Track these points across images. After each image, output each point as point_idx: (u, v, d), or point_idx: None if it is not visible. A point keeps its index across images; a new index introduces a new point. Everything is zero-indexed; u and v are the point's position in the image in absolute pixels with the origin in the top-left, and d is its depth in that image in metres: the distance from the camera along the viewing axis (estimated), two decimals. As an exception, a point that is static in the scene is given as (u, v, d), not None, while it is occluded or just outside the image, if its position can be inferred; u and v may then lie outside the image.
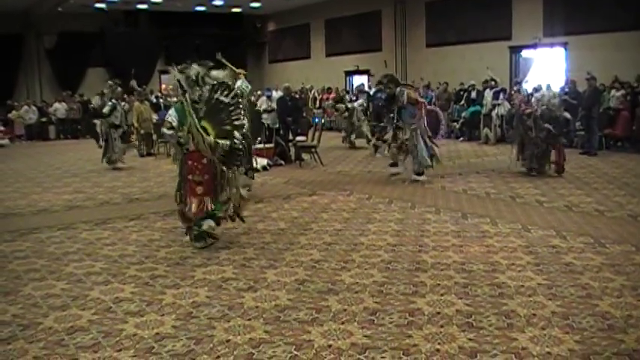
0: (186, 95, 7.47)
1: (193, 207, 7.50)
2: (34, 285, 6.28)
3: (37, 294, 5.99)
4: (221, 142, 7.36)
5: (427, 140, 12.19)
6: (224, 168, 7.55)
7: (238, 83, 8.85)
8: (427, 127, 12.36)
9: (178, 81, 7.58)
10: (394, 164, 12.85)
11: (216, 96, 7.51)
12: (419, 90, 18.10)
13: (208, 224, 7.58)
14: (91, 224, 9.10)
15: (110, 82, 16.36)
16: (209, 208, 7.53)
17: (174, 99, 15.02)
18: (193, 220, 7.58)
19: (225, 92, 7.54)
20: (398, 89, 12.26)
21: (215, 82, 7.53)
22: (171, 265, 6.91)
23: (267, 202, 10.51)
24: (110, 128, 15.24)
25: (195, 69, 7.55)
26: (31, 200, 11.36)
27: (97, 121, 15.76)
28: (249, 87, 9.58)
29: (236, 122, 7.53)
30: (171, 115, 7.59)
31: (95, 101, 16.39)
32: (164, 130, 7.72)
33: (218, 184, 7.62)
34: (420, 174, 12.20)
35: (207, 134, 7.37)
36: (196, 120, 7.28)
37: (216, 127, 7.48)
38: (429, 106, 13.55)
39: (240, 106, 7.70)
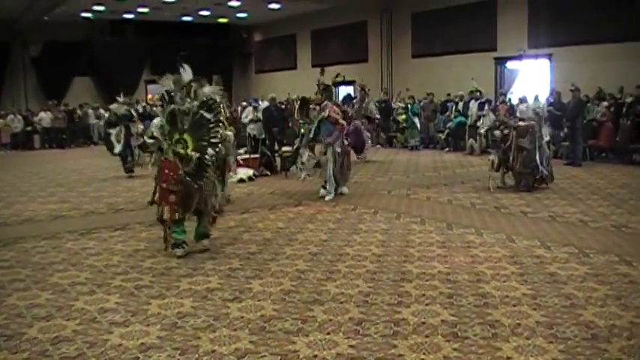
0: (166, 108, 7.72)
1: (165, 213, 7.60)
2: (18, 295, 6.25)
3: (22, 304, 5.96)
4: (191, 153, 7.54)
5: (341, 165, 11.75)
6: (196, 182, 7.62)
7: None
8: (351, 144, 12.01)
9: (167, 92, 7.75)
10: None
11: (201, 112, 7.64)
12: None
13: (178, 237, 7.73)
14: (76, 234, 9.06)
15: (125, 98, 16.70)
16: (177, 217, 7.61)
17: (160, 109, 15.00)
18: (168, 223, 7.69)
19: (211, 108, 7.67)
20: (325, 102, 11.75)
21: (205, 99, 7.67)
22: (157, 275, 6.89)
23: (252, 212, 10.50)
24: (131, 136, 15.53)
25: (188, 78, 7.73)
26: (15, 210, 11.30)
27: (113, 131, 15.77)
28: None
29: (212, 139, 7.64)
30: (154, 125, 7.84)
31: (118, 109, 16.44)
32: (146, 138, 8.07)
33: (191, 198, 7.72)
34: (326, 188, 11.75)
35: (187, 147, 7.60)
36: (178, 133, 7.59)
37: (195, 141, 7.65)
38: (352, 124, 12.92)
39: (220, 124, 7.83)
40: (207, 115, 7.64)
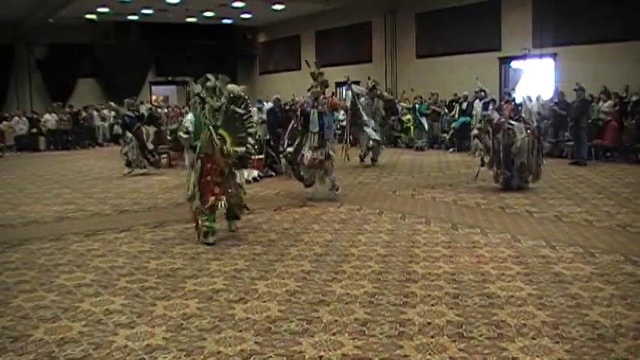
0: (206, 106, 8.33)
1: (210, 202, 8.28)
2: (24, 297, 6.26)
3: (27, 306, 5.97)
4: (238, 149, 8.40)
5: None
6: (233, 170, 8.53)
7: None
8: None
9: (198, 94, 8.43)
10: (310, 184, 11.70)
11: (232, 107, 8.42)
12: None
13: (211, 224, 8.37)
14: (81, 235, 9.07)
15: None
16: (220, 206, 8.43)
17: (165, 110, 15.27)
18: (204, 213, 8.36)
19: (240, 103, 8.50)
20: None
21: (231, 95, 8.42)
22: (162, 276, 6.90)
23: (257, 213, 10.49)
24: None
25: (213, 80, 8.41)
26: (21, 211, 11.32)
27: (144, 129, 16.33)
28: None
29: (250, 130, 8.57)
30: (189, 121, 8.52)
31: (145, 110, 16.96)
32: (181, 134, 8.57)
33: (227, 185, 8.52)
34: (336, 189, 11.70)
35: (225, 142, 8.33)
36: (213, 129, 8.22)
37: (232, 134, 8.41)
38: None
39: (252, 115, 8.90)
40: (239, 110, 8.47)
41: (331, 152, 11.43)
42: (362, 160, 16.89)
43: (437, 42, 24.58)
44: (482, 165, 12.53)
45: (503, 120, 12.06)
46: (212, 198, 8.27)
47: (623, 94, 17.67)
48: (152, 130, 16.34)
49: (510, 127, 11.87)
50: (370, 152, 16.91)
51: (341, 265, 7.14)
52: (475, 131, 12.80)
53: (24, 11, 25.92)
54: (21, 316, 5.68)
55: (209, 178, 8.29)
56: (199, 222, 8.40)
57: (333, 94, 11.77)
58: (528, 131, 11.93)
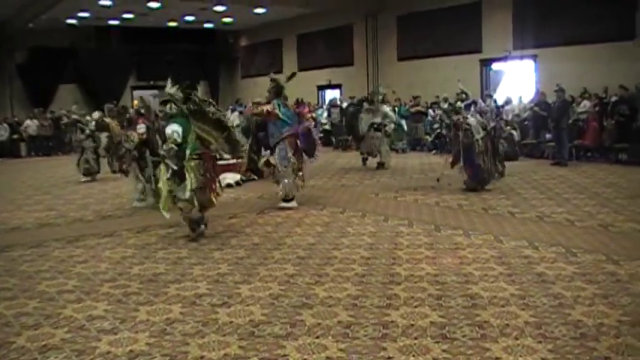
0: (187, 106, 8.60)
1: (214, 200, 8.76)
2: (5, 304, 6.21)
3: (9, 313, 5.92)
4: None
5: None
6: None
7: None
8: (301, 147, 11.18)
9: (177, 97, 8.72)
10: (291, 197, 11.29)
11: (203, 108, 8.71)
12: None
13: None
14: (63, 242, 9.01)
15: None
16: (216, 198, 8.83)
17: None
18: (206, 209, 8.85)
19: (207, 105, 8.81)
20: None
21: (196, 99, 8.70)
22: (145, 282, 6.87)
23: (240, 217, 10.48)
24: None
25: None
26: (2, 218, 11.23)
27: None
28: None
29: (226, 124, 8.99)
30: (177, 132, 8.42)
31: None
32: (171, 145, 8.44)
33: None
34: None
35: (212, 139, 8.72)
36: (199, 129, 8.56)
37: (213, 129, 8.74)
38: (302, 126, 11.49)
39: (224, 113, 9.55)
40: (209, 109, 8.74)
41: (276, 159, 11.01)
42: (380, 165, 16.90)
43: (418, 44, 24.65)
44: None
45: (461, 120, 12.19)
46: (212, 194, 8.72)
47: (603, 94, 17.81)
48: (104, 135, 16.10)
49: (468, 127, 12.00)
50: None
51: (324, 268, 7.14)
52: (447, 120, 13.03)
53: (5, 15, 25.70)
54: (3, 324, 5.63)
55: (208, 175, 8.62)
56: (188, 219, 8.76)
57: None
58: (484, 131, 12.06)
